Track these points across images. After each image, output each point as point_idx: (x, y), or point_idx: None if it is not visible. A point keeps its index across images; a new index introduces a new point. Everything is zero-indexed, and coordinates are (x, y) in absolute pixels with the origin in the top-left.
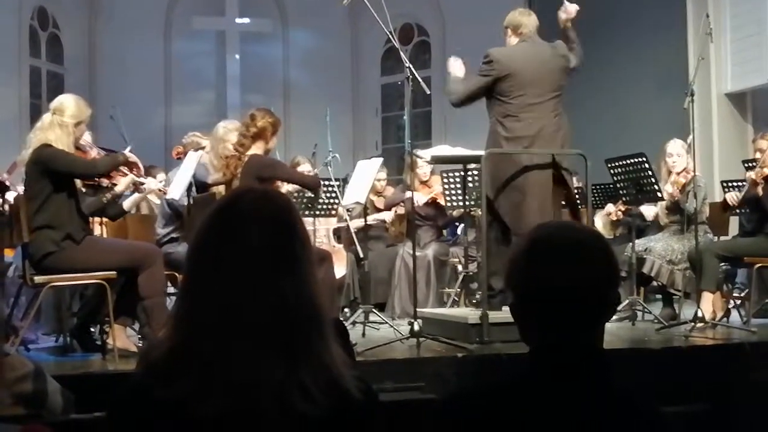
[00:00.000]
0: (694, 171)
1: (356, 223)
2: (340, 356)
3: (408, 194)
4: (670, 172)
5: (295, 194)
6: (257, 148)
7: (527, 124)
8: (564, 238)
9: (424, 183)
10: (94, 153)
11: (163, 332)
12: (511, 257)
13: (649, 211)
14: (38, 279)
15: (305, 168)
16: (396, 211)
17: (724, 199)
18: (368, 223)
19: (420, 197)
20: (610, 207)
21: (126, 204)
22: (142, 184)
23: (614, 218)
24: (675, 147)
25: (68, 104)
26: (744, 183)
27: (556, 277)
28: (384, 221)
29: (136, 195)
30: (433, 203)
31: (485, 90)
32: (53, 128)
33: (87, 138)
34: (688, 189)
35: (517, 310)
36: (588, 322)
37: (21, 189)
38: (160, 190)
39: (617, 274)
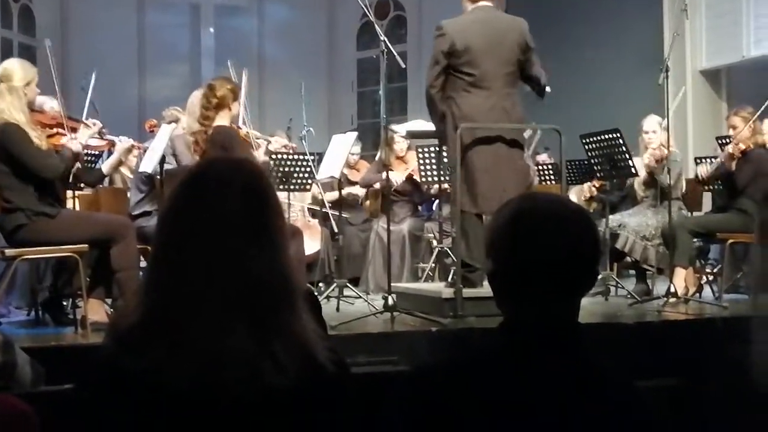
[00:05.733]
0: (668, 146)
1: (330, 196)
2: (312, 328)
3: (384, 176)
4: (647, 149)
5: (270, 168)
6: (222, 119)
7: (478, 100)
8: (548, 210)
9: (400, 158)
10: (50, 115)
11: (132, 302)
12: (492, 226)
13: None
14: (9, 252)
15: (281, 141)
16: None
17: (697, 174)
18: (343, 195)
19: (397, 176)
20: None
21: (105, 168)
22: (114, 143)
23: (587, 195)
24: (650, 124)
25: (13, 68)
26: (716, 158)
27: (538, 250)
28: (358, 195)
29: (114, 156)
30: (409, 179)
31: (445, 66)
32: (3, 96)
33: (54, 105)
34: (663, 164)
35: (496, 279)
36: (565, 296)
37: None
38: (134, 146)
39: (599, 249)
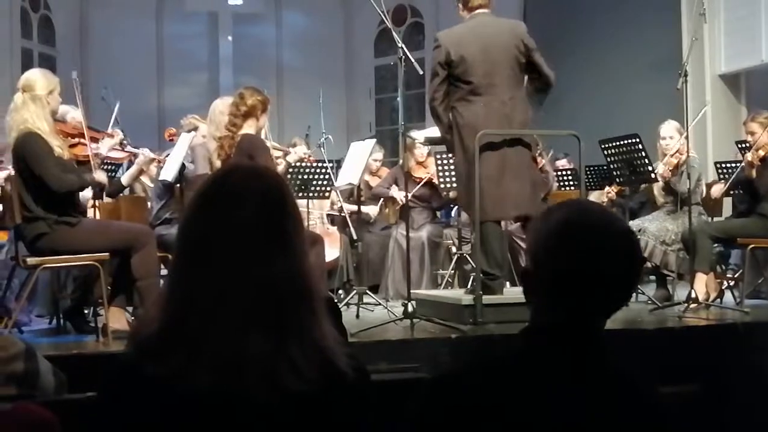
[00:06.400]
0: (688, 152)
1: (349, 208)
2: (332, 333)
3: (393, 189)
4: (665, 155)
5: (289, 175)
6: (249, 127)
7: (478, 108)
8: (597, 226)
9: (420, 164)
10: (72, 125)
11: (153, 310)
12: (537, 227)
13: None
14: (31, 261)
15: (301, 150)
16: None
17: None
18: (361, 212)
19: (399, 194)
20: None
21: (124, 179)
22: (135, 155)
23: (605, 198)
24: (668, 129)
25: (35, 78)
26: (738, 164)
27: (579, 263)
28: (369, 215)
29: (134, 168)
30: (428, 183)
31: (445, 77)
32: (27, 106)
33: (76, 115)
34: (682, 169)
35: (530, 279)
36: (595, 310)
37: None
38: (157, 160)
39: (639, 273)
